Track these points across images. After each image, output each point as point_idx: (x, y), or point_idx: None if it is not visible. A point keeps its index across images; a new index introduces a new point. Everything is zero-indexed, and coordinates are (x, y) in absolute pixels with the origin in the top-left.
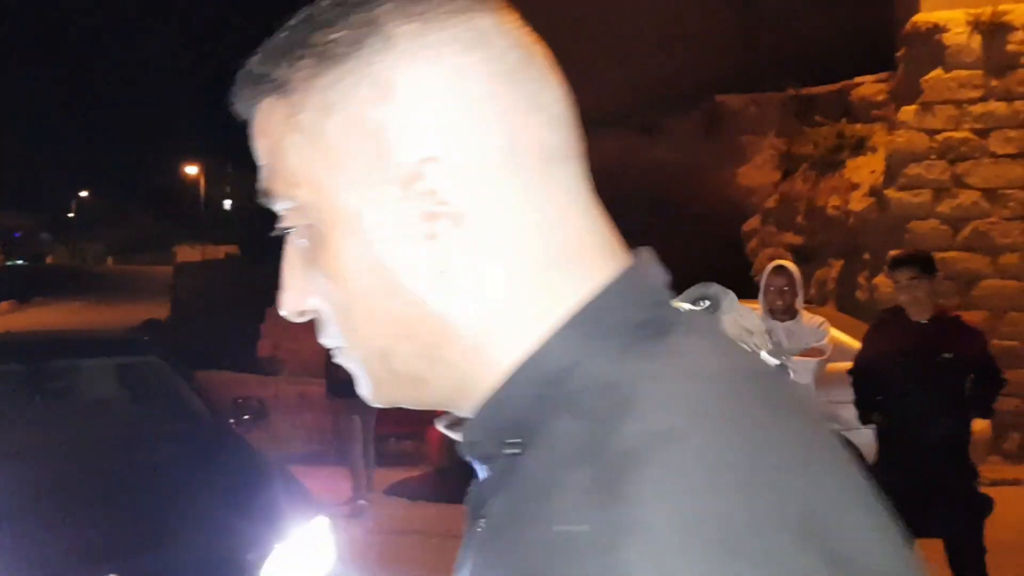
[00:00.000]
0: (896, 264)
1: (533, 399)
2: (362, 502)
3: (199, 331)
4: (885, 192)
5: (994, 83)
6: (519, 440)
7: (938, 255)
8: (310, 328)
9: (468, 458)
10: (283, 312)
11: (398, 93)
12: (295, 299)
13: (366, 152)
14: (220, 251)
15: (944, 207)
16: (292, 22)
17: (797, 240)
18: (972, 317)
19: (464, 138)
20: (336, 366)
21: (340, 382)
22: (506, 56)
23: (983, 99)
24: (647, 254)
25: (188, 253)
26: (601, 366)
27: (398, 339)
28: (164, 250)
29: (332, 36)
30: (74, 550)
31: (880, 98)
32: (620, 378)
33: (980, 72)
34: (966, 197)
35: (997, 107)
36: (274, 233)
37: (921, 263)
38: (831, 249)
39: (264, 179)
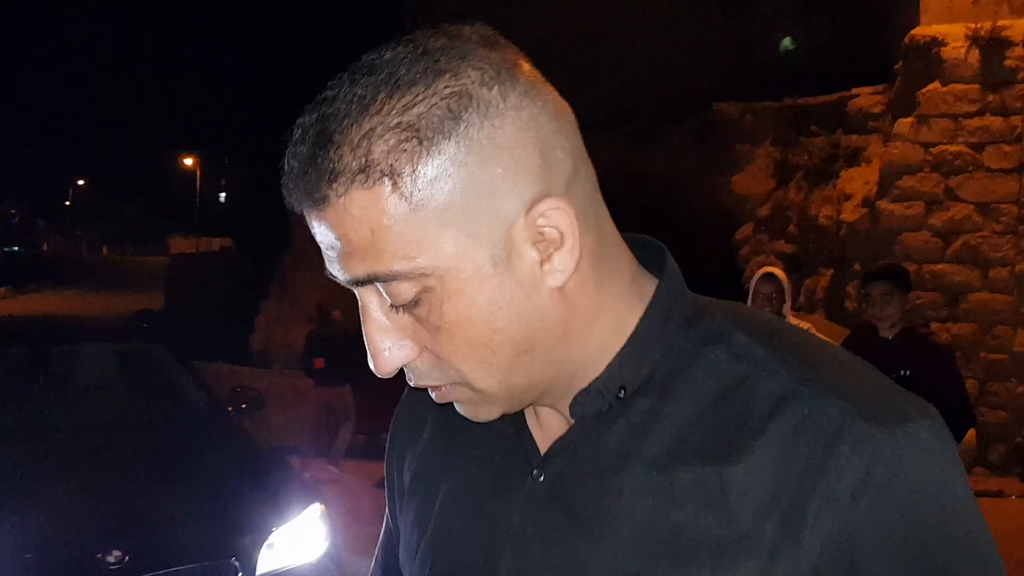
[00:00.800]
0: (870, 277)
1: (651, 351)
2: (332, 468)
3: (192, 322)
4: (877, 204)
5: (991, 98)
6: (625, 389)
7: (928, 267)
8: (303, 321)
9: (579, 416)
10: (383, 373)
11: (502, 153)
12: (394, 358)
13: (480, 208)
14: (214, 243)
15: (936, 220)
16: (356, 93)
17: (789, 249)
18: (959, 330)
19: (551, 174)
20: (311, 357)
21: (316, 371)
22: (550, 96)
23: (979, 113)
24: (645, 239)
25: (182, 245)
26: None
27: (522, 356)
28: (159, 241)
29: (426, 112)
30: (77, 527)
31: (876, 110)
32: (720, 326)
33: (977, 86)
34: (958, 210)
35: (993, 122)
36: (393, 305)
37: (896, 278)
38: (822, 258)
39: (358, 264)
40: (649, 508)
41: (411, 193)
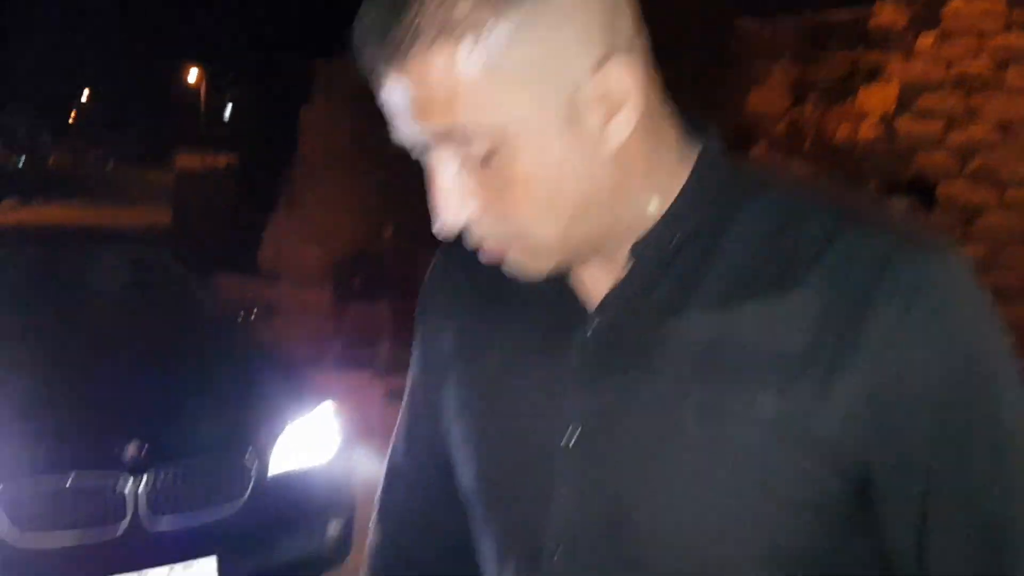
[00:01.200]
0: (894, 189)
1: (699, 203)
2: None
3: (200, 238)
4: (895, 121)
5: (1017, 15)
6: (677, 237)
7: (943, 187)
8: (310, 237)
9: (636, 261)
10: (448, 227)
11: (571, 15)
12: (460, 216)
13: (551, 68)
14: (220, 160)
15: (955, 138)
16: None
17: (804, 168)
18: (972, 251)
19: (616, 34)
20: (351, 273)
21: (352, 285)
22: None
23: (1005, 30)
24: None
25: (188, 161)
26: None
27: (581, 210)
28: (165, 157)
29: None
30: (95, 421)
31: (899, 26)
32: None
33: (1003, 3)
34: (977, 129)
35: (1018, 40)
36: (462, 165)
37: (921, 193)
38: (837, 177)
39: (436, 120)
40: (709, 338)
41: (488, 53)
